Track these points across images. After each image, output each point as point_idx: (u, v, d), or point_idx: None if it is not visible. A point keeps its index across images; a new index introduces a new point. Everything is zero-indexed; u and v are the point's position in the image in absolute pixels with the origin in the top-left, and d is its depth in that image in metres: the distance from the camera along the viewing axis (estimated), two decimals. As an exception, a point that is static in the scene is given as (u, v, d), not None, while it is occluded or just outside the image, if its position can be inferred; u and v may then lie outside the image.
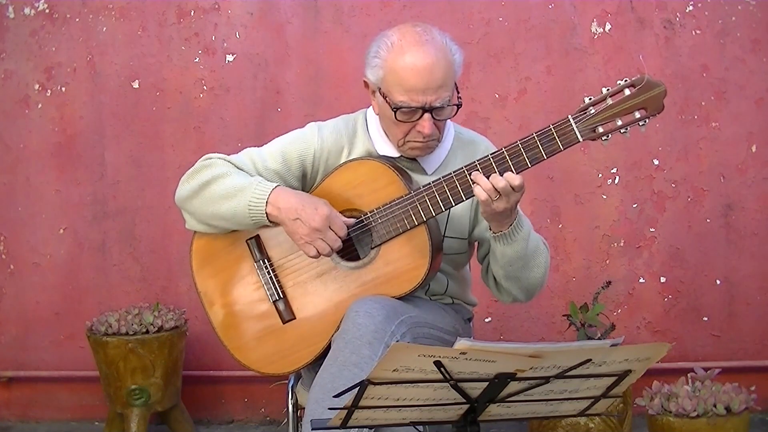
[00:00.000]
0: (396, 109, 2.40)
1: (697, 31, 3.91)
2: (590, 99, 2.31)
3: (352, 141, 2.57)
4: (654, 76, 2.30)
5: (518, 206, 2.38)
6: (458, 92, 2.45)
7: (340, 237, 2.41)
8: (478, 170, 2.33)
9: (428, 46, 2.39)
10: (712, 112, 3.93)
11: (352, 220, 2.45)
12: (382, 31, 2.49)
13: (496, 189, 2.28)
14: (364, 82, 2.51)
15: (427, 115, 2.40)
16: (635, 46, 3.92)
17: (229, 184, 2.47)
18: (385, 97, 2.43)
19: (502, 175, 2.29)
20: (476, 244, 2.63)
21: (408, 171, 2.52)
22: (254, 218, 2.45)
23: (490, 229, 2.41)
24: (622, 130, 2.31)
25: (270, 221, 2.45)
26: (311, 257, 2.44)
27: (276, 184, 2.46)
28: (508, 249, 2.42)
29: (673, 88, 3.86)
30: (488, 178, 2.29)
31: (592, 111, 2.30)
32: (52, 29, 4.16)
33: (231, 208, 2.46)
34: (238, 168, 2.53)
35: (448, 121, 2.53)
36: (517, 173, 2.32)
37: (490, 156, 2.35)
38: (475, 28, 3.98)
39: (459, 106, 2.44)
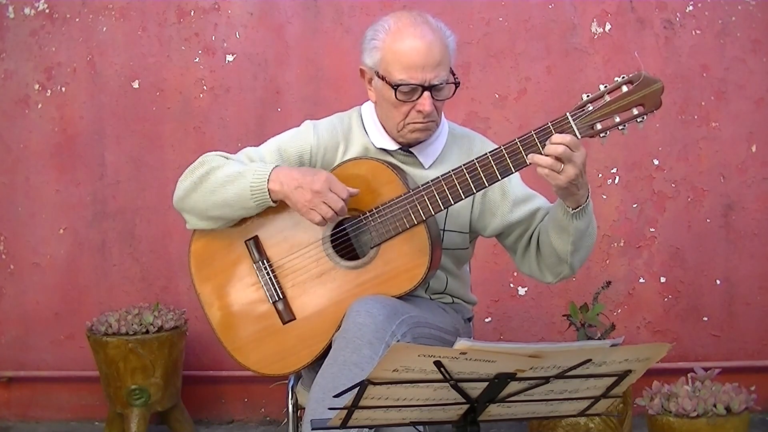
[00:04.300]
0: (396, 87, 2.40)
1: (697, 31, 3.91)
2: (588, 96, 2.31)
3: (348, 137, 2.57)
4: (651, 73, 2.30)
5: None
6: (454, 75, 2.46)
7: (342, 198, 2.39)
8: (476, 169, 2.34)
9: (424, 26, 2.44)
10: (712, 112, 3.93)
11: (355, 190, 2.42)
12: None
13: (557, 158, 2.25)
14: (361, 70, 2.52)
15: (426, 93, 2.41)
16: (635, 46, 3.92)
17: (227, 171, 2.47)
18: (383, 79, 2.43)
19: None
20: (502, 233, 2.57)
21: (405, 165, 2.53)
22: (257, 199, 2.43)
23: (568, 206, 2.36)
24: (620, 127, 2.30)
25: (273, 200, 2.43)
26: (316, 224, 2.41)
27: (275, 165, 2.46)
28: (582, 222, 2.40)
29: (673, 88, 3.86)
30: (543, 153, 2.25)
31: (590, 108, 2.30)
32: (52, 29, 4.16)
33: (232, 192, 2.45)
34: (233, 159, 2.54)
35: (443, 117, 2.55)
36: (515, 172, 2.33)
37: (488, 154, 2.35)
38: (475, 28, 3.98)
39: (457, 84, 2.46)
